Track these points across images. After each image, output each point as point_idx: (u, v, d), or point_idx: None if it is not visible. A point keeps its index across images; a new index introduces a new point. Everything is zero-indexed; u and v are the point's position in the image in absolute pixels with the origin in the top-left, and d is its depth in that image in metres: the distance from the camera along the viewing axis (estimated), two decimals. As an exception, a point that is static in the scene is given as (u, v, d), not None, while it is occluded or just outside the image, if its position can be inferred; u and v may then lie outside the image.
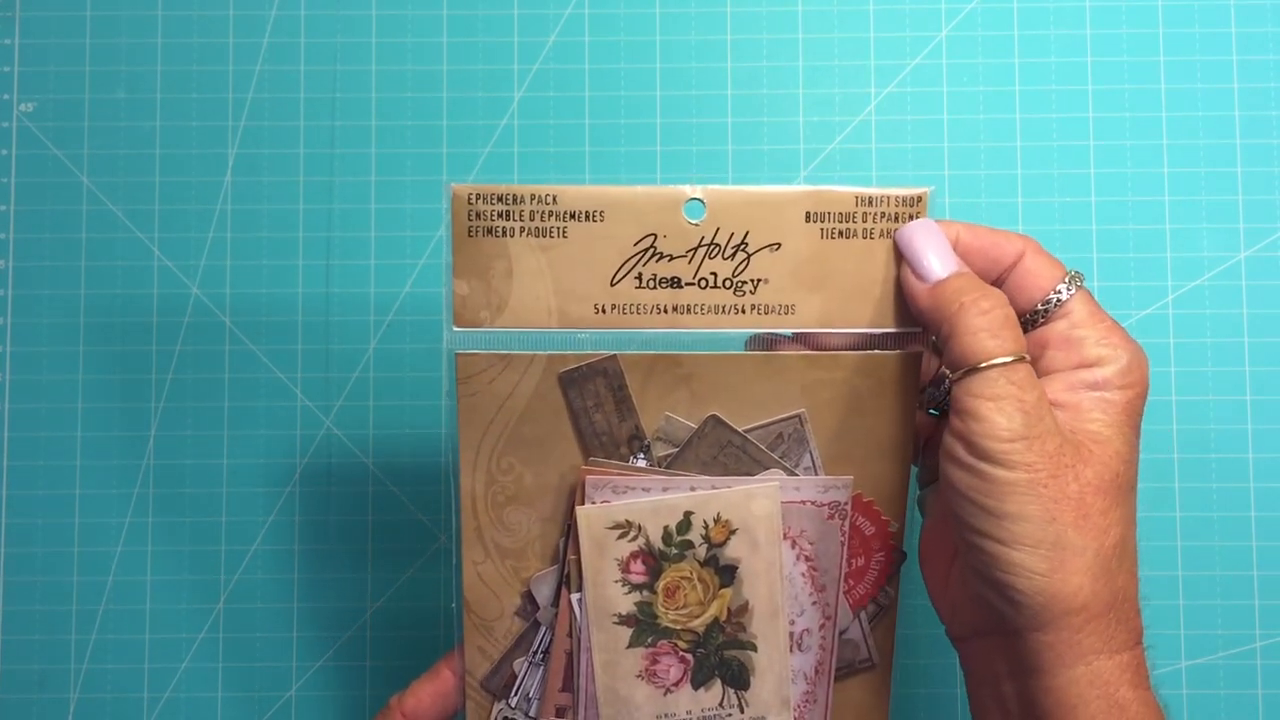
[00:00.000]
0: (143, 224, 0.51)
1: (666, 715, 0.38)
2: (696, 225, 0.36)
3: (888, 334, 0.37)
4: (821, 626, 0.38)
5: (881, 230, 0.36)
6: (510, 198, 0.36)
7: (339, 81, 0.51)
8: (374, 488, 0.50)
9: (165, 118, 0.51)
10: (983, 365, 0.33)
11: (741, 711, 0.38)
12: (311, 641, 0.50)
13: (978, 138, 0.50)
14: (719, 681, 0.38)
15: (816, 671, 0.39)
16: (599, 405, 0.37)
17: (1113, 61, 0.51)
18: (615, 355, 0.37)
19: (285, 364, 0.50)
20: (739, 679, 0.38)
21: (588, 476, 0.37)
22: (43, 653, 0.50)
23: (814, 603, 0.38)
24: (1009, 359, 0.32)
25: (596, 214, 0.36)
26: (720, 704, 0.38)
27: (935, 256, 0.35)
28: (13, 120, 0.51)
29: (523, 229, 0.36)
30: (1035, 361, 0.35)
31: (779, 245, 0.36)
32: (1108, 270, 0.50)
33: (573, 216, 0.36)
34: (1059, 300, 0.35)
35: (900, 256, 0.36)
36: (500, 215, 0.36)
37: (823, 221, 0.36)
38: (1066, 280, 0.35)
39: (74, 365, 0.50)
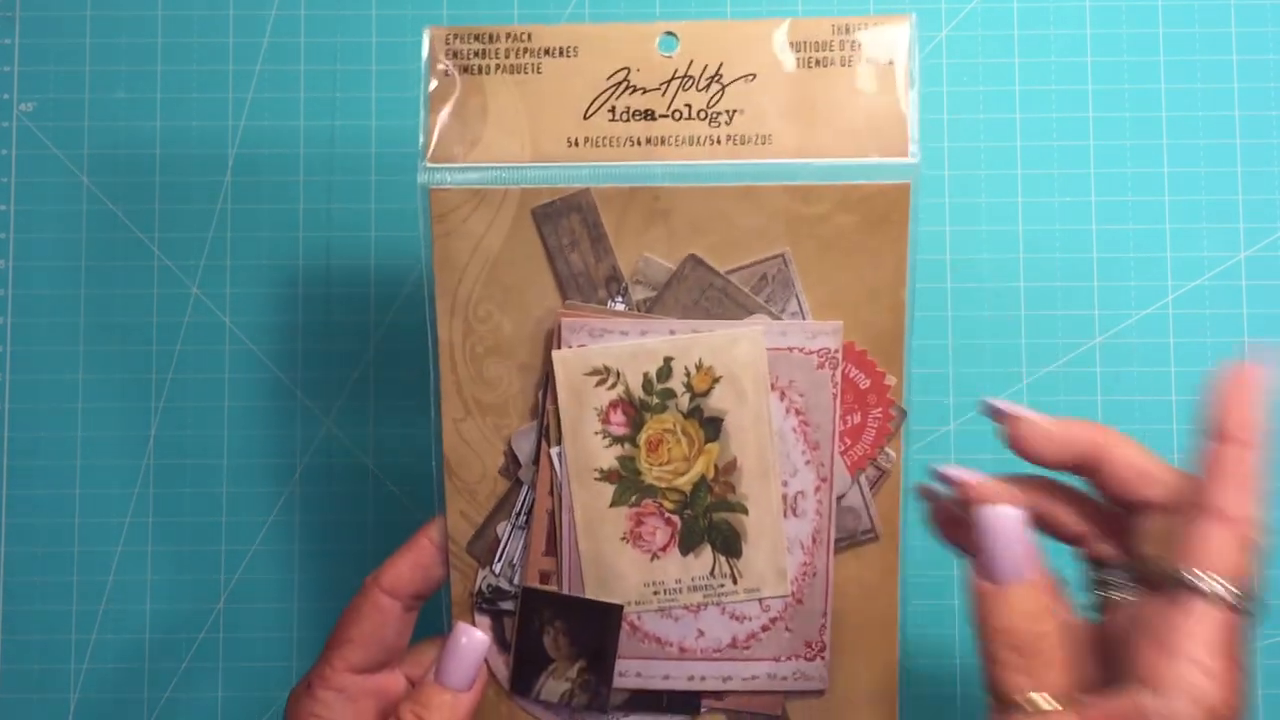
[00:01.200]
0: (143, 224, 0.51)
1: (654, 584, 0.36)
2: (670, 58, 0.35)
3: (873, 165, 0.35)
4: (817, 489, 0.36)
5: (862, 58, 0.35)
6: (486, 36, 0.36)
7: (339, 81, 0.51)
8: (374, 488, 0.50)
9: (165, 118, 0.51)
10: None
11: (734, 582, 0.36)
12: (311, 641, 0.50)
13: (978, 137, 0.50)
14: (709, 548, 0.36)
15: (814, 540, 0.36)
16: (574, 243, 0.36)
17: (1113, 61, 0.51)
18: (589, 189, 0.36)
19: (285, 364, 0.50)
20: (730, 545, 0.36)
21: (564, 319, 0.36)
22: (43, 653, 0.50)
23: (807, 462, 0.36)
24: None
25: (570, 49, 0.36)
26: (711, 573, 0.36)
27: (1011, 556, 0.31)
28: (13, 120, 0.51)
29: (498, 66, 0.36)
30: (1115, 616, 0.31)
31: (754, 76, 0.35)
32: (1108, 270, 0.50)
33: (547, 53, 0.36)
34: (1191, 583, 0.29)
35: (978, 534, 0.32)
36: (476, 54, 0.36)
37: (799, 51, 0.35)
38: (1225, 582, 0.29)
39: (74, 365, 0.50)
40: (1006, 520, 0.32)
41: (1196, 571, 0.29)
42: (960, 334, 0.50)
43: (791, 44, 0.35)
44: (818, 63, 0.35)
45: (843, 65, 0.35)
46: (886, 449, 0.36)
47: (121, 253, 0.50)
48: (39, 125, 0.51)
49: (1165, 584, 0.30)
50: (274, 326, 0.50)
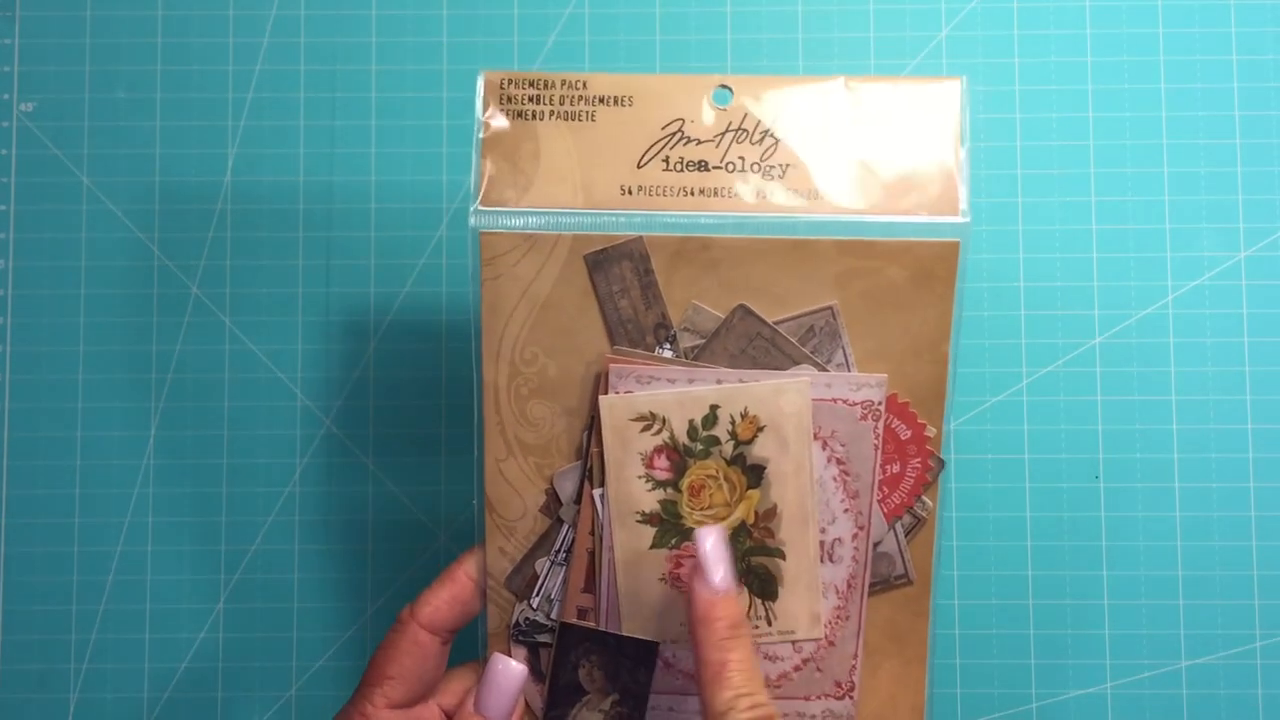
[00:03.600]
0: (143, 224, 0.51)
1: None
2: (724, 110, 0.36)
3: (924, 223, 0.36)
4: (854, 536, 0.37)
5: (914, 118, 0.36)
6: (541, 83, 0.36)
7: (339, 81, 0.51)
8: (374, 488, 0.50)
9: (165, 118, 0.51)
10: None
11: (769, 624, 0.37)
12: (311, 641, 0.50)
13: (978, 138, 0.50)
14: (746, 591, 0.37)
15: (849, 585, 0.37)
16: (625, 291, 0.36)
17: (1113, 61, 0.51)
18: (641, 237, 0.36)
19: (285, 364, 0.50)
20: (767, 589, 0.37)
21: (612, 365, 0.36)
22: (43, 653, 0.50)
23: (846, 510, 0.37)
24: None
25: (626, 99, 0.36)
26: (747, 615, 0.37)
27: (725, 568, 0.35)
28: (13, 120, 0.51)
29: (552, 113, 0.36)
30: None
31: (806, 131, 0.36)
32: (1108, 270, 0.50)
33: (602, 101, 0.36)
34: None
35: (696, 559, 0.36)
36: (530, 100, 0.36)
37: (852, 108, 0.36)
38: None
39: (74, 365, 0.50)
40: (720, 535, 0.35)
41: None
42: (961, 333, 0.50)
43: (844, 102, 0.36)
44: (870, 120, 0.36)
45: (895, 124, 0.36)
46: (923, 497, 0.37)
47: (121, 253, 0.50)
48: (39, 125, 0.51)
49: None
50: (274, 326, 0.50)
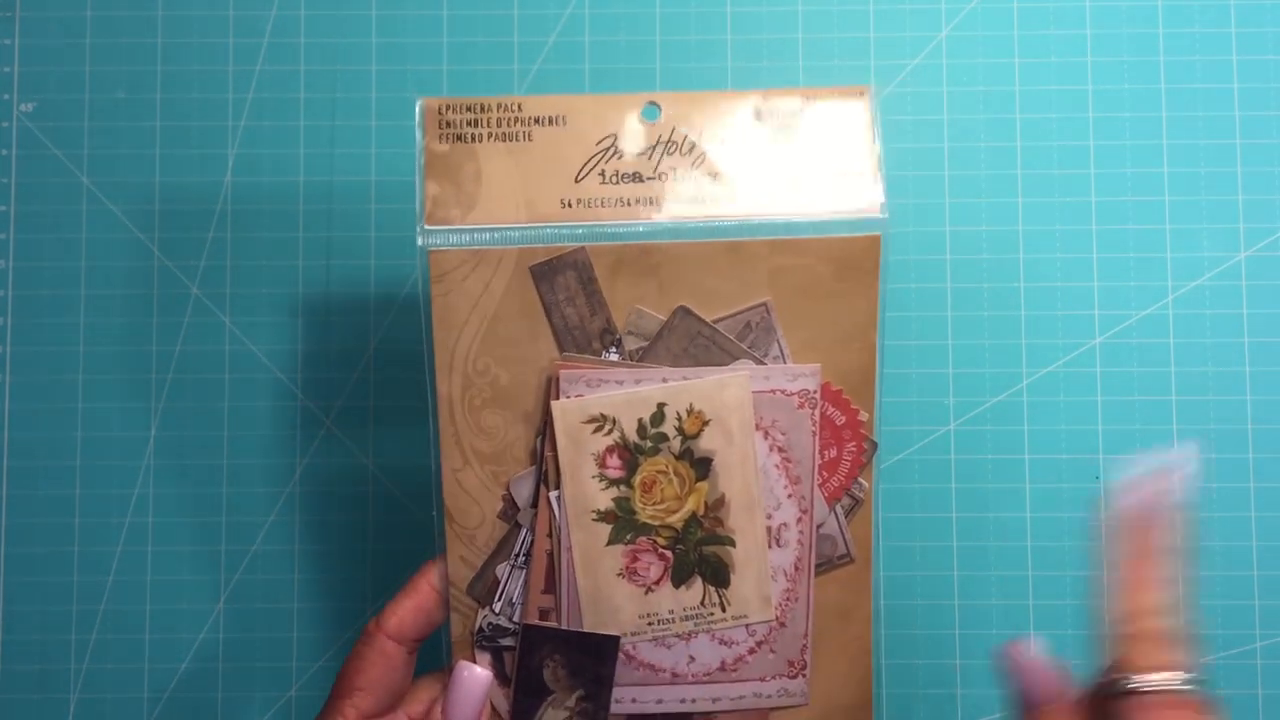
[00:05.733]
0: (143, 224, 0.51)
1: (648, 615, 0.38)
2: (654, 125, 0.38)
3: (848, 220, 0.38)
4: (799, 520, 0.39)
5: (830, 125, 0.38)
6: (478, 107, 0.38)
7: (339, 81, 0.51)
8: (374, 488, 0.50)
9: (165, 118, 0.51)
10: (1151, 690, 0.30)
11: (723, 610, 0.39)
12: (311, 641, 0.50)
13: (978, 138, 0.50)
14: (699, 579, 0.38)
15: (796, 568, 0.39)
16: (570, 299, 0.38)
17: (1113, 61, 0.51)
18: (583, 247, 0.38)
19: (285, 364, 0.50)
20: (719, 576, 0.38)
21: (561, 370, 0.37)
22: (43, 653, 0.50)
23: (789, 495, 0.39)
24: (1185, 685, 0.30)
25: (560, 119, 0.38)
26: (702, 603, 0.39)
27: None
28: (13, 120, 0.51)
29: (490, 134, 0.38)
30: None
31: (733, 141, 0.38)
32: (1108, 270, 0.50)
33: (537, 122, 0.38)
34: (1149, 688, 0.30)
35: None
36: (469, 123, 0.38)
37: (773, 118, 0.38)
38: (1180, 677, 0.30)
39: (74, 365, 0.50)
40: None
41: (1134, 678, 0.30)
42: (960, 334, 0.50)
43: (766, 112, 0.38)
44: (790, 129, 0.38)
45: (813, 131, 0.38)
46: (860, 479, 0.39)
47: (121, 253, 0.50)
48: (39, 125, 0.51)
49: (1120, 705, 0.30)
50: (274, 326, 0.50)
